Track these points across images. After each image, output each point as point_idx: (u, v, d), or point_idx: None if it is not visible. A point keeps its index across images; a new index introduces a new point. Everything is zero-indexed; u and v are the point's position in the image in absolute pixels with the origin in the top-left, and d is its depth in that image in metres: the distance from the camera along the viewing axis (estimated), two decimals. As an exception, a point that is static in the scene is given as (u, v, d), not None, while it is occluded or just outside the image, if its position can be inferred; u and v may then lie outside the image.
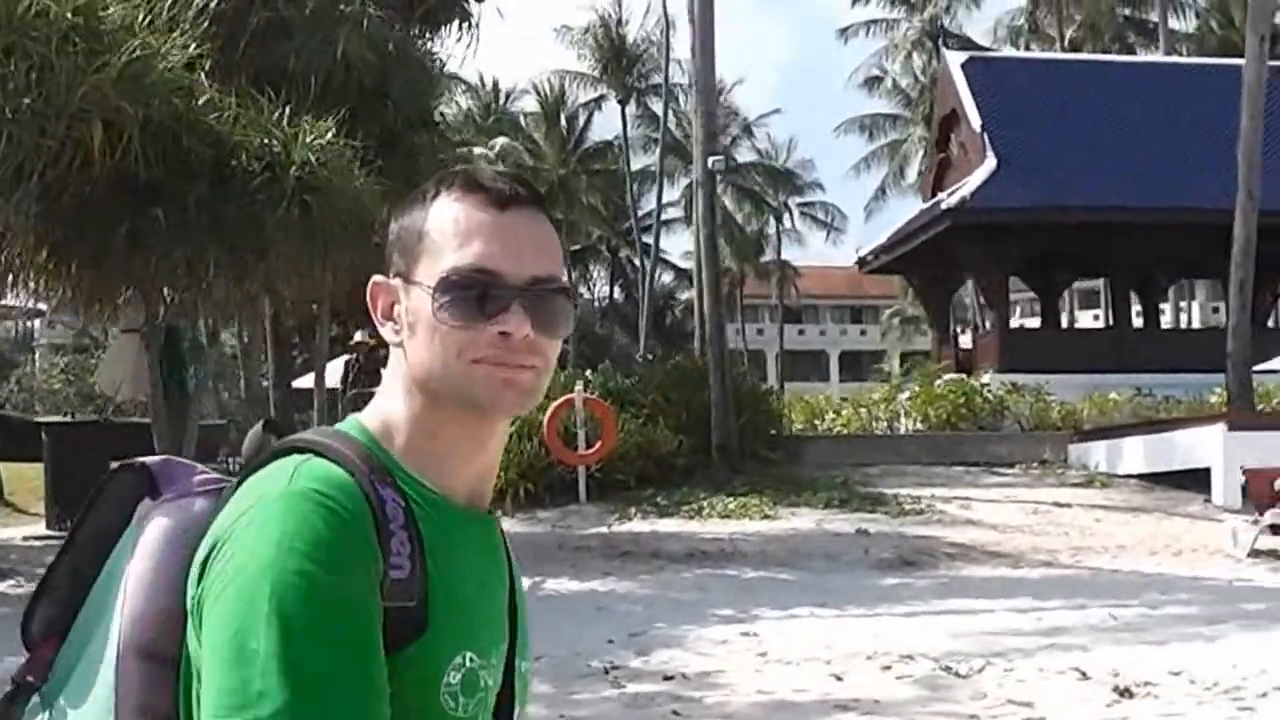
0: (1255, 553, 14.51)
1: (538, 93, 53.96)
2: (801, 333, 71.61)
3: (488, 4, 17.63)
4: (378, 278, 1.30)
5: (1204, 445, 17.97)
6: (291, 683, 1.09)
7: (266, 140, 12.91)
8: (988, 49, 44.68)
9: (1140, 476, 19.31)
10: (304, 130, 12.91)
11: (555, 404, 17.27)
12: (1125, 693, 7.84)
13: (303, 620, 1.10)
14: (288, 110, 13.11)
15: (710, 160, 20.51)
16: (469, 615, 1.24)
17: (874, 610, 11.28)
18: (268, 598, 1.11)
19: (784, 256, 61.56)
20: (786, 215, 60.36)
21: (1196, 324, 50.20)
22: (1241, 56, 33.26)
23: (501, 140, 50.57)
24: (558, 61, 51.98)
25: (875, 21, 48.10)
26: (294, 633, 1.10)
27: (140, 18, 12.32)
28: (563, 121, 53.58)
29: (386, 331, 1.30)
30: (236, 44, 14.22)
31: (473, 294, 1.23)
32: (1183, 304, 59.58)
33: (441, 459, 1.27)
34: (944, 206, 26.14)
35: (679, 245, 62.70)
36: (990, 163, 26.25)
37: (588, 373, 20.04)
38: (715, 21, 21.03)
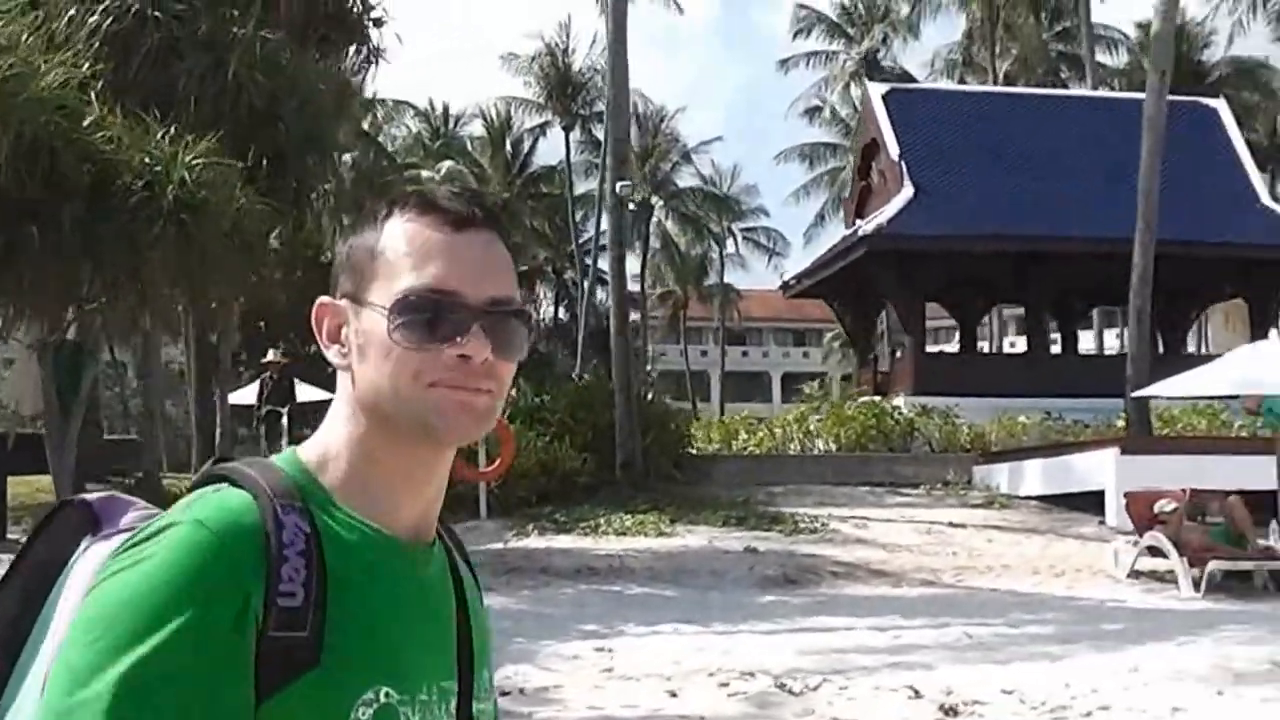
0: (1135, 574, 14.76)
1: (485, 118, 54.38)
2: (745, 354, 72.14)
3: (398, 24, 17.83)
4: (324, 299, 1.25)
5: (1099, 468, 18.26)
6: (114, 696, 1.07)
7: (148, 160, 12.97)
8: (913, 80, 45.30)
9: (1040, 498, 19.60)
10: (183, 149, 12.96)
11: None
12: (950, 711, 7.99)
13: (138, 657, 1.08)
14: (174, 130, 13.18)
15: (618, 185, 20.72)
16: (388, 649, 1.18)
17: (738, 627, 11.41)
18: (110, 624, 1.10)
19: (728, 280, 62.11)
20: (730, 240, 60.92)
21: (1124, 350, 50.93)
22: (1171, 91, 34.08)
23: (447, 164, 50.83)
24: (506, 88, 52.25)
25: (815, 53, 48.66)
26: (131, 666, 1.08)
27: (25, 37, 12.39)
28: (508, 146, 54.01)
29: (332, 355, 1.25)
30: (129, 65, 14.30)
31: (430, 316, 1.19)
32: (1111, 330, 60.40)
33: (385, 489, 1.23)
34: (860, 234, 26.51)
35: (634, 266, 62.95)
36: (907, 191, 26.63)
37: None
38: (629, 51, 21.29)
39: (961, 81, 45.47)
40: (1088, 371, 27.55)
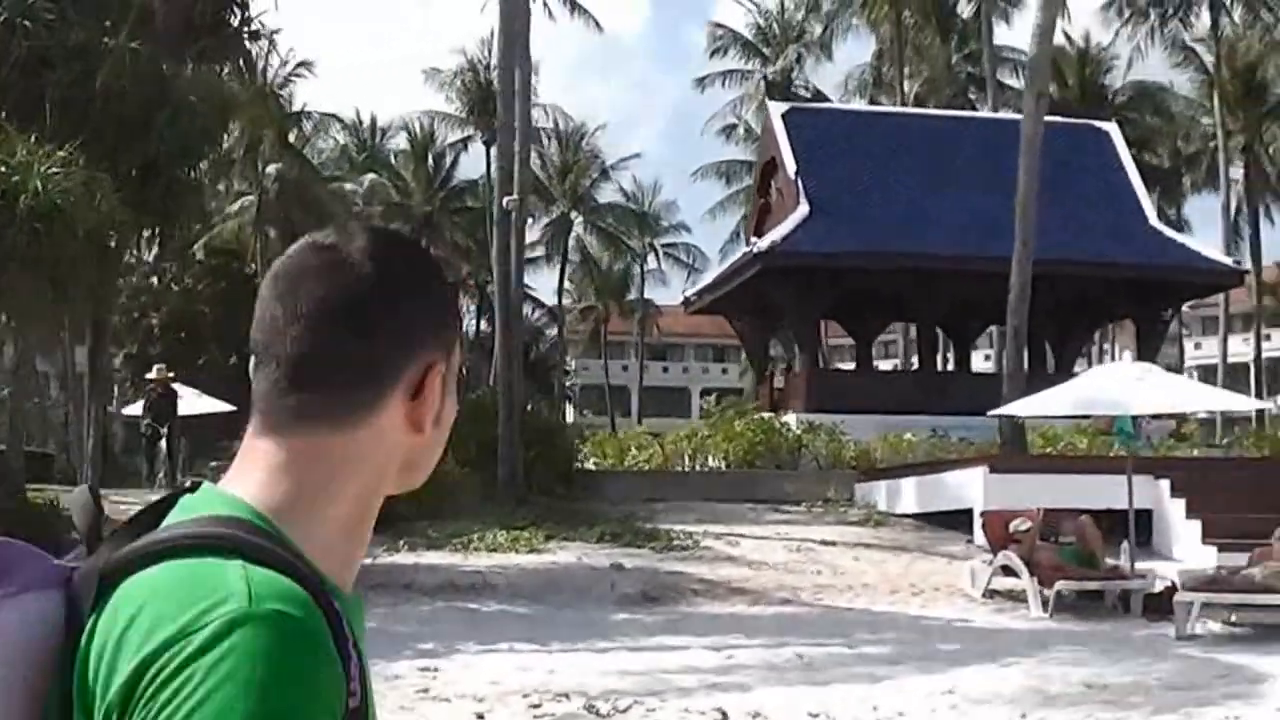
0: (992, 593, 14.95)
1: (408, 132, 54.34)
2: (665, 370, 72.34)
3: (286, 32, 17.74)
4: (437, 365, 1.16)
5: (969, 486, 18.48)
6: None
7: (3, 168, 12.83)
8: (826, 99, 45.79)
9: (915, 516, 19.79)
10: (39, 158, 12.83)
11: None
12: (751, 733, 8.09)
13: None
14: (36, 139, 13.04)
15: (505, 200, 20.71)
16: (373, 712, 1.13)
17: (576, 646, 11.42)
18: None
19: (649, 295, 62.34)
20: (651, 255, 61.20)
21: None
22: (1070, 114, 34.75)
23: (370, 177, 50.71)
24: (432, 102, 52.21)
25: (731, 72, 48.98)
26: None
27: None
28: (431, 160, 53.98)
29: (424, 419, 1.14)
30: (-4, 74, 14.15)
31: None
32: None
33: (347, 544, 1.13)
34: (755, 251, 26.71)
35: (548, 282, 63.10)
36: (803, 209, 26.85)
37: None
38: (531, 67, 21.35)
39: (873, 101, 45.99)
40: (978, 389, 27.80)
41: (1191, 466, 19.96)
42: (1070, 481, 17.45)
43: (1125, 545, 14.58)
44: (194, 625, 0.96)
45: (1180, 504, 18.24)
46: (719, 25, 48.77)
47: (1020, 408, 15.47)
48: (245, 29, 17.31)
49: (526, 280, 59.75)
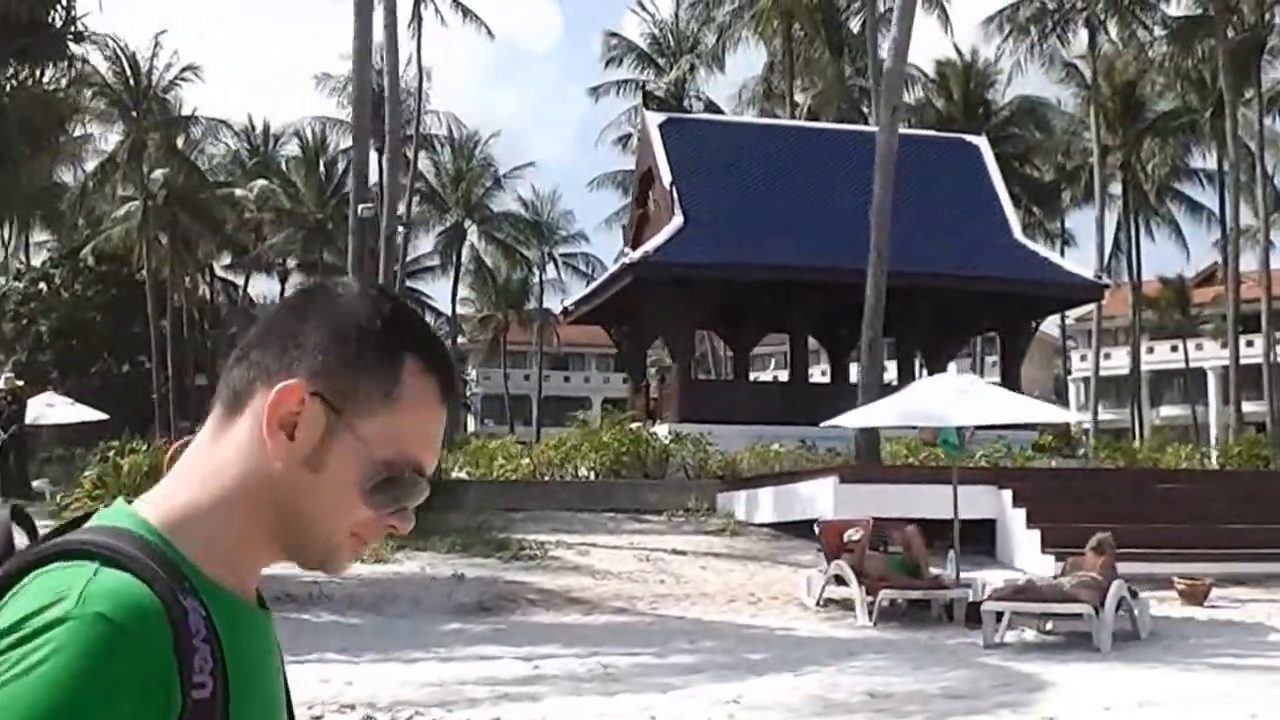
0: (828, 601, 15.16)
1: (300, 138, 53.81)
2: (567, 379, 72.35)
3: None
4: (297, 384, 1.15)
5: (820, 496, 18.73)
6: None
7: None
8: (720, 111, 46.16)
9: (772, 525, 20.01)
10: None
11: (175, 445, 17.08)
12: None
13: None
14: None
15: (360, 208, 20.63)
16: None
17: (390, 657, 11.40)
18: None
19: (550, 305, 62.31)
20: (551, 265, 61.21)
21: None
22: (954, 128, 35.43)
23: (260, 183, 50.15)
24: (324, 108, 51.76)
25: (625, 81, 49.14)
26: None
27: None
28: (322, 167, 53.53)
29: (271, 440, 1.14)
30: None
31: (403, 492, 1.17)
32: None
33: (245, 560, 1.18)
34: (628, 260, 26.85)
35: (444, 291, 62.72)
36: (677, 219, 27.04)
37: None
38: (397, 76, 21.27)
39: (764, 113, 46.40)
40: (849, 400, 28.21)
41: (1033, 477, 20.43)
42: (916, 492, 17.75)
43: (951, 554, 14.86)
44: (22, 624, 1.03)
45: (1021, 514, 18.67)
46: (614, 35, 49.01)
47: (847, 419, 15.73)
48: (70, 30, 16.96)
49: (423, 289, 59.82)
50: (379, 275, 21.92)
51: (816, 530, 15.59)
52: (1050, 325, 59.07)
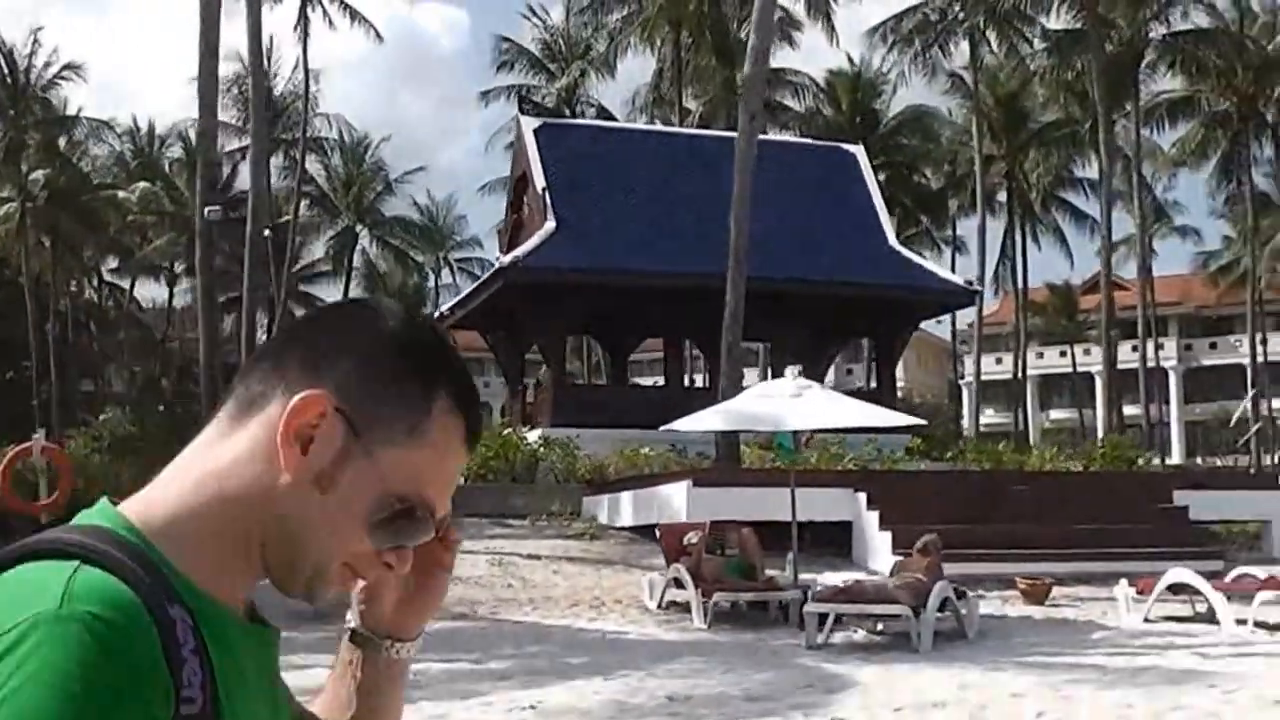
0: (670, 604, 15.15)
1: (184, 140, 52.83)
2: (468, 385, 71.94)
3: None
4: (317, 393, 1.07)
5: (676, 499, 18.77)
6: None
7: None
8: (612, 117, 46.18)
9: (633, 529, 20.01)
10: None
11: (11, 453, 16.77)
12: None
13: None
14: None
15: (207, 210, 20.29)
16: None
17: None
18: None
19: (445, 311, 61.94)
20: (446, 270, 60.88)
21: (832, 384, 53.11)
22: (843, 138, 35.67)
23: (143, 185, 49.29)
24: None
25: (515, 86, 48.94)
26: None
27: None
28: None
29: (285, 451, 1.07)
30: None
31: (412, 531, 1.09)
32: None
33: (235, 571, 1.09)
34: (499, 265, 26.72)
35: (337, 295, 62.14)
36: (549, 225, 26.97)
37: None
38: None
39: (652, 121, 46.49)
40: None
41: (890, 480, 20.65)
42: (769, 495, 17.83)
43: (790, 556, 14.93)
44: (4, 629, 0.95)
45: (875, 516, 18.87)
46: (505, 39, 48.75)
47: (682, 424, 15.76)
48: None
49: (316, 293, 59.08)
50: (211, 281, 21.50)
51: (658, 534, 15.60)
52: (945, 330, 60.06)
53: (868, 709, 9.12)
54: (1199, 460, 61.13)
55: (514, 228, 30.03)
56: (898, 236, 48.07)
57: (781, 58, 44.32)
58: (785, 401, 14.38)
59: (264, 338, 63.15)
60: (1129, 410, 50.44)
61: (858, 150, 31.75)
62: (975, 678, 10.44)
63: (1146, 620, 14.57)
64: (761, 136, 33.57)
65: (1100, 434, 50.85)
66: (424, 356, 1.11)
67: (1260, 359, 49.80)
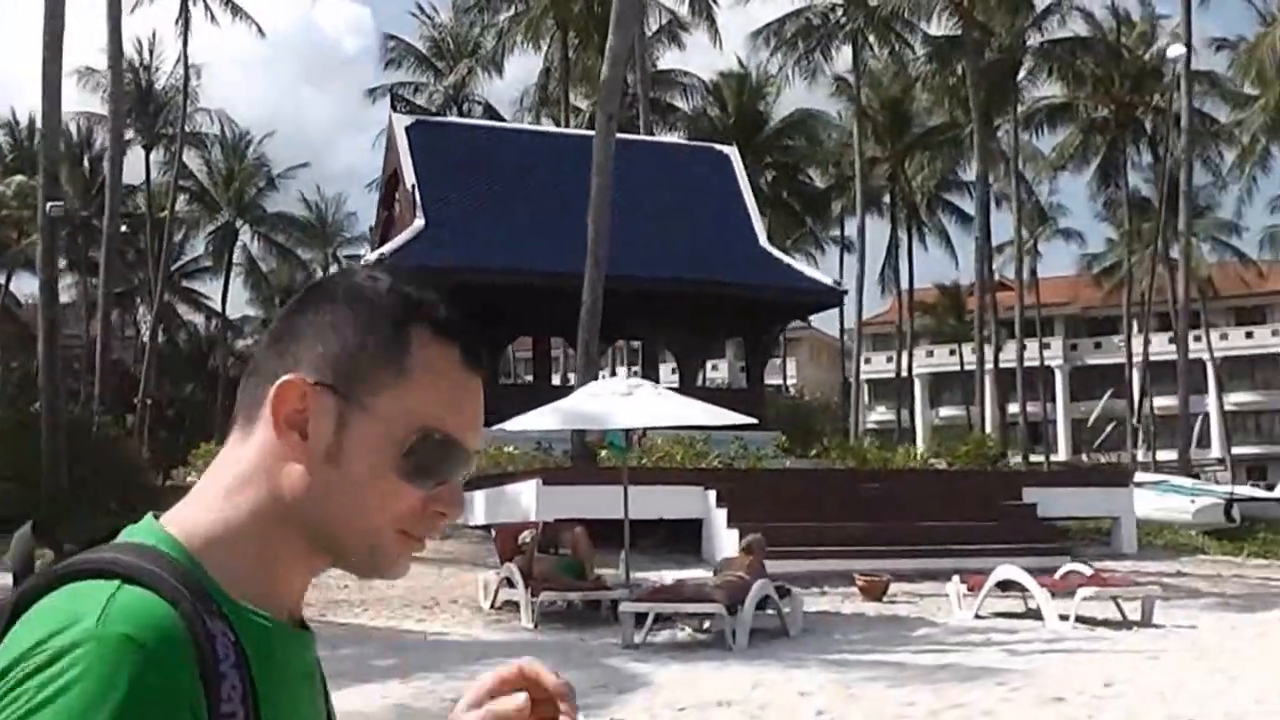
0: (505, 604, 15.05)
1: (64, 133, 51.61)
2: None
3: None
4: (290, 378, 1.06)
5: (525, 498, 18.69)
6: None
7: None
8: (500, 117, 45.97)
9: (485, 528, 19.86)
10: None
11: None
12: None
13: None
14: None
15: (49, 206, 19.84)
16: None
17: None
18: None
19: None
20: (334, 267, 60.17)
21: (726, 383, 53.43)
22: (729, 139, 35.77)
23: (19, 178, 48.10)
24: (89, 103, 49.76)
25: (404, 84, 48.55)
26: None
27: None
28: (87, 163, 51.57)
29: (284, 440, 1.07)
30: None
31: (441, 459, 1.07)
32: (717, 364, 62.73)
33: (279, 581, 1.10)
34: (361, 263, 26.45)
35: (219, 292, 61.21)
36: (419, 222, 26.75)
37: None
38: (121, 67, 20.53)
39: (538, 120, 46.38)
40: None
41: (742, 478, 20.76)
42: (618, 493, 17.83)
43: (622, 555, 14.92)
44: (40, 646, 0.95)
45: (724, 513, 18.95)
46: (392, 37, 48.37)
47: (514, 424, 15.68)
48: None
49: (200, 289, 58.17)
50: (52, 276, 21.02)
51: (492, 533, 15.50)
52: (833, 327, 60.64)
53: (650, 710, 9.10)
54: (1084, 457, 62.45)
55: (385, 225, 29.79)
56: (785, 237, 48.74)
57: (671, 59, 44.58)
58: (615, 399, 14.37)
59: (147, 332, 62.07)
60: (1015, 408, 51.32)
61: (731, 151, 31.88)
62: (773, 676, 10.47)
63: (977, 616, 14.77)
64: (636, 137, 33.73)
65: (988, 430, 51.73)
66: (390, 300, 1.10)
67: (1139, 358, 50.94)
